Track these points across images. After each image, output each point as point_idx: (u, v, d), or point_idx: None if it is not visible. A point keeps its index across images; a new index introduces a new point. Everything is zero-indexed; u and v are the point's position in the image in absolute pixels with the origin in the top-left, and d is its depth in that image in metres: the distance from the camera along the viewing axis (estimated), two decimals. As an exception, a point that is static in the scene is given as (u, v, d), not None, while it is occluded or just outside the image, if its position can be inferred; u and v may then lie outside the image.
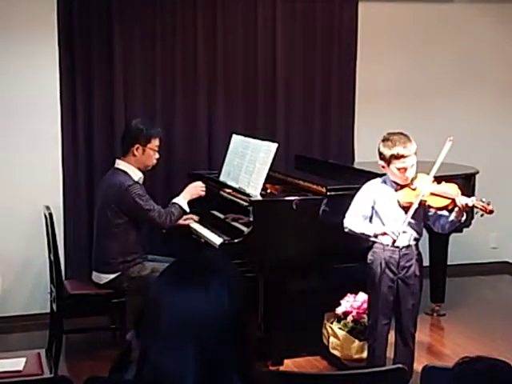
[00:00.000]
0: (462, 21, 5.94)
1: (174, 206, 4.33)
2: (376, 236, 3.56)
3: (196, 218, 4.53)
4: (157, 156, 4.33)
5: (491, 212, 3.38)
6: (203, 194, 4.47)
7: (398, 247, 3.59)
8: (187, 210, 4.33)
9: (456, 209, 3.42)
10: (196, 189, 4.46)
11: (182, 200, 4.36)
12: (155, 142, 4.29)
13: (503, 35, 6.09)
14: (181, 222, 4.42)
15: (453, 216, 3.46)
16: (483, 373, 1.45)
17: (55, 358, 4.11)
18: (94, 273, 4.31)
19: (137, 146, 4.24)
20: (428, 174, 3.58)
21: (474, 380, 1.44)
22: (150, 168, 4.39)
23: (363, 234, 3.59)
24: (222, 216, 4.52)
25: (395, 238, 3.44)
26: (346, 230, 3.63)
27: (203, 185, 4.49)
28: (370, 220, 3.63)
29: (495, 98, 6.10)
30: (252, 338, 1.48)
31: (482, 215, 3.45)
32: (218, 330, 1.38)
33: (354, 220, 3.60)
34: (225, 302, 1.40)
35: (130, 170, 4.26)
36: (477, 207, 3.40)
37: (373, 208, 3.61)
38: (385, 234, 3.50)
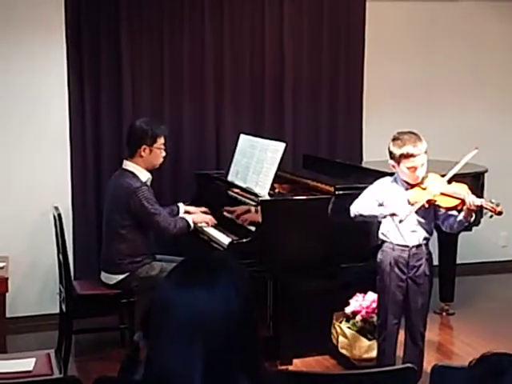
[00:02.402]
0: (469, 19, 5.93)
1: (180, 217, 4.36)
2: (384, 216, 3.56)
3: (213, 221, 4.49)
4: (163, 154, 4.34)
5: (500, 213, 3.38)
6: (209, 223, 4.45)
7: (407, 246, 3.58)
8: (192, 226, 4.32)
9: (465, 209, 3.41)
10: (205, 218, 4.46)
11: (189, 217, 4.37)
12: (161, 141, 4.29)
13: (510, 33, 6.06)
14: (199, 219, 4.42)
15: (461, 216, 3.45)
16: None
17: (65, 359, 4.12)
18: (103, 273, 4.31)
19: (144, 147, 4.25)
20: (439, 172, 3.57)
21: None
22: (158, 167, 4.39)
23: (371, 215, 3.59)
24: (230, 216, 4.52)
25: (403, 218, 3.43)
26: (352, 215, 3.64)
27: (214, 220, 4.48)
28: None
29: (505, 97, 6.07)
30: (259, 338, 1.47)
31: (490, 216, 3.45)
32: (225, 330, 1.38)
33: (362, 203, 3.61)
34: (232, 302, 1.40)
35: (138, 170, 4.26)
36: (486, 208, 3.39)
37: (381, 206, 3.60)
38: (394, 214, 3.50)
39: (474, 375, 1.44)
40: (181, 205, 4.61)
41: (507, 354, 1.47)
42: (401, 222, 3.48)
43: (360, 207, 3.61)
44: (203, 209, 4.60)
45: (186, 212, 4.55)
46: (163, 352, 1.39)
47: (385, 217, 3.57)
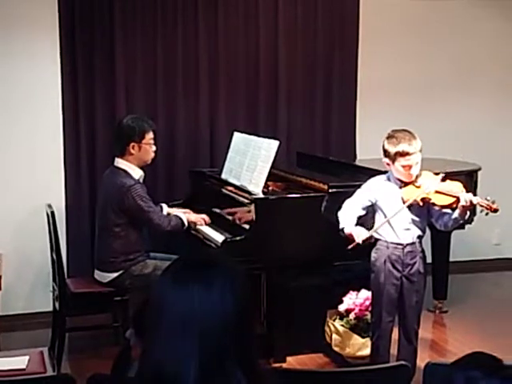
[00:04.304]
0: (465, 17, 5.94)
1: (175, 215, 4.35)
2: (342, 230, 3.57)
3: (208, 220, 4.50)
4: (153, 148, 4.32)
5: (496, 211, 3.37)
6: (203, 224, 4.45)
7: (401, 244, 3.58)
8: (186, 223, 4.33)
9: (460, 207, 3.40)
10: (198, 218, 4.45)
11: (183, 215, 4.36)
12: (149, 136, 4.27)
13: (506, 31, 6.08)
14: (192, 219, 4.42)
15: (456, 214, 3.44)
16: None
17: (58, 357, 4.11)
18: (97, 271, 4.31)
19: (132, 144, 4.23)
20: (433, 170, 3.57)
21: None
22: (150, 162, 4.37)
23: (340, 224, 3.59)
24: (223, 214, 4.52)
25: (359, 240, 3.47)
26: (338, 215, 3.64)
27: (208, 220, 4.48)
28: (373, 216, 3.63)
29: (499, 95, 6.09)
30: (255, 336, 1.47)
31: (486, 214, 3.43)
32: (220, 327, 1.38)
33: (346, 209, 3.61)
34: (227, 301, 1.40)
35: (130, 168, 4.25)
36: (481, 206, 3.39)
37: (372, 206, 3.61)
38: (350, 234, 3.51)
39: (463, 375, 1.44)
40: (164, 205, 4.58)
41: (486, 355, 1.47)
42: (354, 245, 3.49)
43: (341, 212, 3.62)
44: (186, 210, 4.57)
45: (168, 214, 4.52)
46: (158, 349, 1.39)
47: (342, 230, 3.56)
